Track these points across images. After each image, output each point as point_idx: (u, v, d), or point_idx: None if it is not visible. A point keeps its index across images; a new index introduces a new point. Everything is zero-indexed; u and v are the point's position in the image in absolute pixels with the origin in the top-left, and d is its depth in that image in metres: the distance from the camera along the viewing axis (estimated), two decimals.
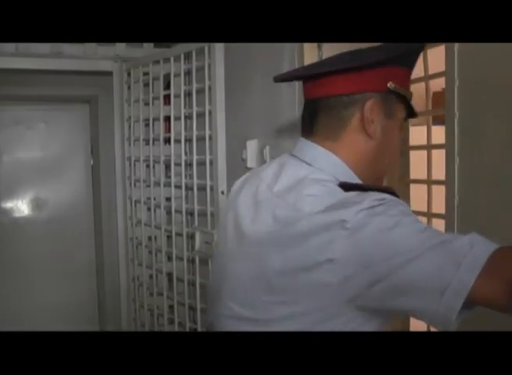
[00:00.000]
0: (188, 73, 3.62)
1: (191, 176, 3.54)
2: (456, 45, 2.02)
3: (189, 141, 3.61)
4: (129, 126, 4.14)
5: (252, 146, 3.18)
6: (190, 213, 3.72)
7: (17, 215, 5.49)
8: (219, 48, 3.17)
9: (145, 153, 3.97)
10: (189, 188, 3.58)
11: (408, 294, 1.26)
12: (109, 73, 4.20)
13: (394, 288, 1.27)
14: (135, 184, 4.21)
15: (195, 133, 3.41)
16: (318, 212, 1.35)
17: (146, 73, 3.92)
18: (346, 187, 1.42)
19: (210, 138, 3.30)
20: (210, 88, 3.26)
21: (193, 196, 3.51)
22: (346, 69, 1.49)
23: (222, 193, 3.23)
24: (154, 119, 3.85)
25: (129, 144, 4.16)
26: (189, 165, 3.60)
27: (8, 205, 5.47)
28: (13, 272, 5.36)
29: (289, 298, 1.39)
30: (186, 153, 3.62)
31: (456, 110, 2.01)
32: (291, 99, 2.86)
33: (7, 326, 4.92)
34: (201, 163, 3.42)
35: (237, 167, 3.28)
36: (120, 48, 4.06)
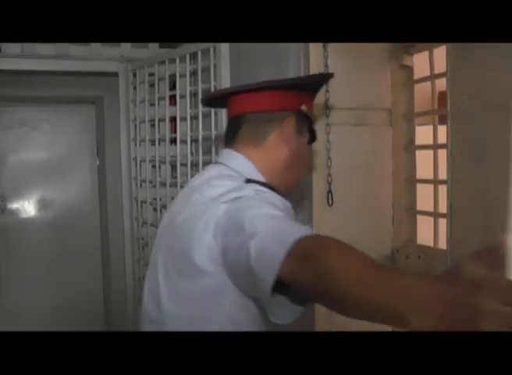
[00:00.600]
0: (194, 73, 3.61)
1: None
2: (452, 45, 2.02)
3: (195, 141, 3.61)
4: (135, 127, 4.14)
5: None
6: None
7: (23, 216, 5.52)
8: (225, 48, 3.16)
9: (151, 154, 3.97)
10: None
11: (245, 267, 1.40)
12: (115, 74, 4.21)
13: (237, 259, 1.45)
14: (141, 185, 4.21)
15: (201, 133, 3.41)
16: (215, 196, 1.59)
17: (151, 74, 3.92)
18: (249, 182, 1.65)
19: (216, 138, 3.29)
20: (215, 88, 3.25)
21: None
22: (271, 87, 1.77)
23: None
24: (159, 120, 3.84)
25: (135, 145, 4.15)
26: (195, 165, 3.59)
27: (15, 205, 5.50)
28: (19, 272, 5.41)
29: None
30: (192, 153, 3.61)
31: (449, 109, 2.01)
32: None
33: (13, 325, 4.98)
34: (207, 163, 3.39)
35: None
36: (125, 48, 4.06)
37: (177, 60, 3.55)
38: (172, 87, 3.82)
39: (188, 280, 1.65)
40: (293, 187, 1.88)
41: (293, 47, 2.82)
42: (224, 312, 1.62)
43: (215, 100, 2.03)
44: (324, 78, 2.04)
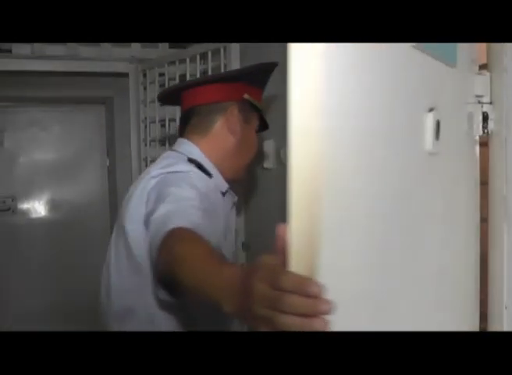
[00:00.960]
0: (204, 73, 3.60)
1: None
2: None
3: None
4: (145, 127, 4.13)
5: (268, 146, 3.16)
6: None
7: (34, 215, 5.53)
8: (235, 48, 3.16)
9: (161, 154, 3.96)
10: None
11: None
12: (125, 75, 4.21)
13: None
14: None
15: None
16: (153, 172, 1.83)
17: (161, 74, 3.91)
18: (190, 161, 1.89)
19: None
20: None
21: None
22: (213, 81, 2.02)
23: None
24: (170, 120, 3.83)
25: (145, 145, 4.15)
26: None
27: (25, 206, 5.51)
28: (29, 272, 5.43)
29: None
30: None
31: None
32: None
33: (23, 326, 5.00)
34: None
35: (254, 168, 3.27)
36: (135, 49, 4.06)
37: (187, 60, 3.54)
38: None
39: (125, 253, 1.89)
40: (242, 172, 2.09)
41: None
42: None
43: (169, 98, 2.25)
44: (265, 68, 2.14)
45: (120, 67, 4.16)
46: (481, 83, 1.83)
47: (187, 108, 2.04)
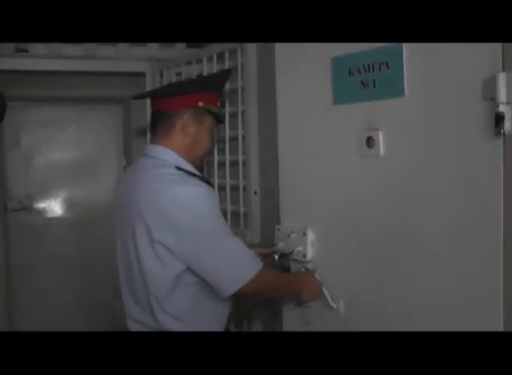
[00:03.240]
0: None
1: (224, 177, 3.53)
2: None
3: (222, 141, 3.59)
4: None
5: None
6: (223, 213, 3.67)
7: (50, 215, 5.55)
8: (252, 48, 3.15)
9: None
10: (221, 188, 3.56)
11: None
12: (142, 74, 4.20)
13: None
14: None
15: (228, 133, 3.40)
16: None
17: (178, 74, 3.90)
18: (179, 169, 2.31)
19: (243, 138, 3.29)
20: (243, 88, 3.24)
21: (226, 196, 3.49)
22: (171, 94, 2.45)
23: (255, 193, 3.21)
24: None
25: None
26: (222, 165, 3.57)
27: (41, 205, 5.53)
28: (46, 271, 5.44)
29: None
30: (218, 153, 3.60)
31: None
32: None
33: (38, 325, 5.09)
34: (234, 163, 3.42)
35: (269, 167, 3.25)
36: (153, 48, 4.05)
37: (204, 60, 3.54)
38: None
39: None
40: (200, 158, 2.60)
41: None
42: None
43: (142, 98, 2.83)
44: (219, 77, 2.70)
45: (137, 67, 4.15)
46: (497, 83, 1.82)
47: (154, 112, 2.50)
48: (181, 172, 2.30)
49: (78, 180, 5.59)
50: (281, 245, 2.70)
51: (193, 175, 2.35)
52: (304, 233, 2.62)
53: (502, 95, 1.81)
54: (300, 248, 2.63)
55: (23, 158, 5.47)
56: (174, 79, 3.94)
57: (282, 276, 2.62)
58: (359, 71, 2.32)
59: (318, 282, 2.58)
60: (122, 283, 2.49)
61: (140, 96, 2.76)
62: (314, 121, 2.58)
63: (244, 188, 3.33)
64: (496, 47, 1.85)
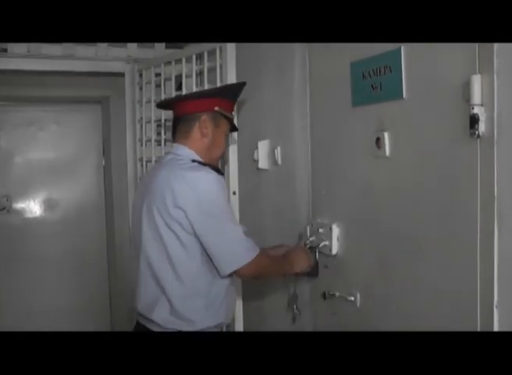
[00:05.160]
0: (200, 73, 3.61)
1: None
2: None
3: None
4: (141, 127, 4.12)
5: (263, 146, 3.19)
6: None
7: (29, 215, 5.52)
8: (231, 48, 3.15)
9: (157, 154, 3.94)
10: None
11: None
12: (121, 74, 4.21)
13: None
14: None
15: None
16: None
17: (158, 74, 3.91)
18: (193, 161, 2.53)
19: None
20: None
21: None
22: (191, 98, 2.71)
23: (234, 193, 3.23)
24: (165, 120, 3.83)
25: (141, 145, 4.14)
26: None
27: (20, 205, 5.51)
28: (25, 272, 5.42)
29: None
30: None
31: None
32: (302, 99, 2.88)
33: (19, 325, 5.03)
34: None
35: (249, 168, 3.30)
36: (132, 49, 4.05)
37: (183, 60, 3.55)
38: (178, 87, 3.82)
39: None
40: (217, 160, 2.74)
41: (298, 46, 2.86)
42: None
43: (164, 106, 2.93)
44: (235, 87, 2.83)
45: (116, 67, 4.16)
46: (471, 85, 1.85)
47: (176, 115, 2.69)
48: (195, 163, 2.54)
49: (57, 181, 5.56)
50: (311, 240, 2.85)
51: (206, 165, 2.54)
52: (330, 229, 2.74)
53: (476, 97, 1.83)
54: (326, 243, 2.77)
55: (3, 159, 5.45)
56: (153, 79, 3.95)
57: (276, 260, 2.75)
58: (369, 75, 2.40)
59: (304, 253, 2.82)
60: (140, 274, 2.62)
61: (164, 101, 3.03)
62: (338, 123, 2.66)
63: None
64: (472, 49, 1.87)
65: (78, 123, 5.61)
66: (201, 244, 2.46)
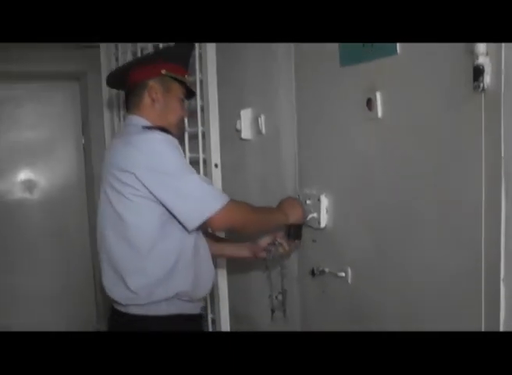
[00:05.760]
0: None
1: (183, 150, 3.34)
2: None
3: None
4: (119, 101, 3.95)
5: (246, 115, 3.07)
6: None
7: (8, 197, 5.41)
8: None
9: None
10: None
11: None
12: (96, 46, 4.04)
13: None
14: None
15: (186, 104, 3.23)
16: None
17: (134, 45, 3.72)
18: (145, 127, 2.48)
19: (202, 109, 3.13)
20: (201, 57, 3.09)
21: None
22: (135, 64, 2.66)
23: (216, 166, 3.08)
24: None
25: (120, 121, 3.97)
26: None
27: None
28: (5, 255, 5.31)
29: None
30: None
31: None
32: (287, 65, 2.76)
33: (1, 307, 5.08)
34: (193, 136, 3.27)
35: (231, 138, 3.18)
36: None
37: None
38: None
39: None
40: (176, 126, 2.65)
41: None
42: None
43: (114, 84, 2.91)
44: (180, 48, 2.71)
45: None
46: None
47: (125, 87, 2.68)
48: (146, 129, 2.47)
49: (37, 160, 5.45)
50: None
51: (157, 129, 2.47)
52: (319, 200, 2.59)
53: (481, 46, 1.69)
54: (314, 215, 2.61)
55: None
56: (129, 50, 3.77)
57: (261, 210, 2.62)
58: None
59: (298, 203, 2.66)
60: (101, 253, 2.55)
61: (110, 74, 2.89)
62: (326, 85, 2.52)
63: (204, 161, 3.18)
64: None
65: (56, 100, 5.47)
66: (161, 205, 2.36)
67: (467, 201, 1.82)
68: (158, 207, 2.36)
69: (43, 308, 5.17)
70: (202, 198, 2.35)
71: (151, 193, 2.33)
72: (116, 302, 2.51)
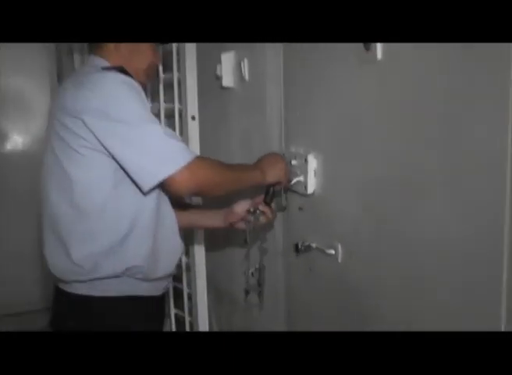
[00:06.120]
0: None
1: (156, 100, 3.17)
2: None
3: None
4: None
5: (228, 60, 2.77)
6: None
7: None
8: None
9: None
10: (154, 114, 3.14)
11: None
12: None
13: None
14: None
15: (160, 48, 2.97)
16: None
17: None
18: (104, 68, 2.13)
19: (177, 53, 2.92)
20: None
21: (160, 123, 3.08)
22: None
23: (193, 118, 2.86)
24: None
25: None
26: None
27: None
28: None
29: None
30: None
31: None
32: None
33: None
34: (168, 85, 3.05)
35: (210, 87, 2.92)
36: None
37: None
38: None
39: None
40: (146, 73, 2.37)
41: None
42: None
43: None
44: None
45: None
46: None
47: None
48: (104, 70, 2.12)
49: (7, 112, 5.20)
50: None
51: (117, 70, 2.13)
52: (306, 160, 2.26)
53: None
54: (300, 178, 2.29)
55: None
56: None
57: (233, 167, 2.23)
58: None
59: (281, 160, 2.31)
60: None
61: None
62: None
63: (180, 113, 2.96)
64: None
65: (29, 48, 5.11)
66: (114, 159, 2.00)
67: (485, 161, 1.48)
68: (112, 162, 2.01)
69: (21, 272, 4.98)
70: (161, 153, 1.96)
71: (101, 143, 1.98)
72: (59, 279, 2.19)
